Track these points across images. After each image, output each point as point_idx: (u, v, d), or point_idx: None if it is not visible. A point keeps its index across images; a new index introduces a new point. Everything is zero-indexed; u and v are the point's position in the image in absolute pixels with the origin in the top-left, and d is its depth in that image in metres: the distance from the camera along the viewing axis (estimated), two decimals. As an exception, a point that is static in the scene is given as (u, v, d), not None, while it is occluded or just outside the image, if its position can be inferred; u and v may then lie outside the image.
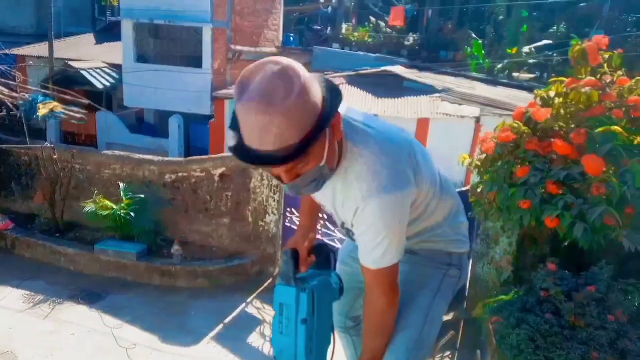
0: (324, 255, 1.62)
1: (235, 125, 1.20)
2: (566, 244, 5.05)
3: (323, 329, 1.44)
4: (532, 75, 14.22)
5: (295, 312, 1.36)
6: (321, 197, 1.52)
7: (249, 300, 7.67)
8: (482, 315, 4.93)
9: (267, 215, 8.04)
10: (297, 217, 8.02)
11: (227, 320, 7.19)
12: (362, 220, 1.37)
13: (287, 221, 8.00)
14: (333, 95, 1.22)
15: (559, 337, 3.74)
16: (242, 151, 1.20)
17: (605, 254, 4.30)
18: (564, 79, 4.16)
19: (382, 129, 1.39)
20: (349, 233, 1.55)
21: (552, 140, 4.03)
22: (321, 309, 1.41)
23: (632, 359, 3.58)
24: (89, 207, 7.98)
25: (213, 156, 8.98)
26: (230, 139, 1.23)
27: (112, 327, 6.74)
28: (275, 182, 7.80)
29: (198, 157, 8.87)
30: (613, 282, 3.90)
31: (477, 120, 8.02)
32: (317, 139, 1.18)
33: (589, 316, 3.70)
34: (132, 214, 7.88)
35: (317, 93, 1.19)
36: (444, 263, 1.60)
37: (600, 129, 3.60)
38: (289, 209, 7.97)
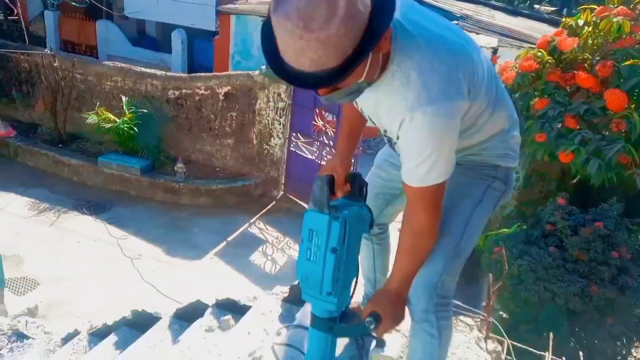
0: (357, 185, 1.56)
1: (268, 30, 1.08)
2: (574, 181, 5.04)
3: (351, 259, 1.39)
4: (553, 8, 13.62)
5: (326, 240, 1.31)
6: (362, 103, 1.43)
7: (252, 220, 7.78)
8: (482, 247, 5.01)
9: (272, 139, 7.95)
10: (302, 142, 7.96)
11: (230, 238, 7.32)
12: (407, 133, 1.27)
13: (292, 145, 7.94)
14: (386, 6, 1.08)
15: (560, 270, 3.81)
16: (276, 63, 1.10)
17: (613, 192, 4.30)
18: (594, 6, 3.95)
19: (439, 29, 1.26)
20: (390, 141, 1.48)
21: (576, 72, 3.90)
22: (351, 239, 1.35)
23: (631, 294, 3.67)
24: (91, 118, 7.85)
25: (218, 74, 8.74)
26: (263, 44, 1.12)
27: (117, 237, 6.86)
28: (281, 104, 7.65)
29: (202, 74, 8.63)
30: (620, 219, 3.92)
31: (494, 51, 7.73)
32: (359, 63, 1.08)
33: (593, 251, 3.75)
34: (135, 128, 7.77)
35: (364, 8, 1.05)
36: (489, 175, 1.51)
37: (627, 62, 3.46)
38: (294, 134, 7.88)
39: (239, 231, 7.59)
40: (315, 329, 1.42)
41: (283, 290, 2.69)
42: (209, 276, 6.20)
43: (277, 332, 2.20)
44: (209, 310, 2.74)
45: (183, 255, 6.73)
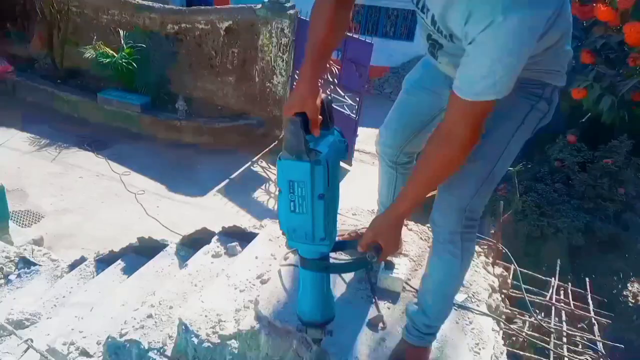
0: (327, 112, 1.36)
1: None
2: (584, 120, 4.94)
3: (335, 194, 1.32)
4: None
5: (311, 188, 1.21)
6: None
7: (254, 159, 7.74)
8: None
9: (275, 77, 7.76)
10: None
11: (233, 176, 7.31)
12: (489, 38, 1.09)
13: (294, 84, 7.77)
14: None
15: (565, 206, 3.82)
16: None
17: (623, 131, 4.23)
18: None
19: None
20: (434, 47, 1.33)
21: (594, 4, 3.73)
22: (334, 176, 1.26)
23: (634, 230, 3.69)
24: (89, 52, 7.64)
25: (219, 7, 8.42)
26: None
27: (120, 173, 6.85)
28: (284, 40, 7.41)
29: (202, 7, 8.31)
30: (629, 157, 3.88)
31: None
32: None
33: (599, 188, 3.74)
34: (134, 64, 7.58)
35: None
36: (534, 94, 1.36)
37: (650, -6, 3.29)
38: (297, 71, 7.69)
39: (242, 169, 7.56)
40: (309, 270, 1.37)
41: (289, 218, 2.68)
42: (212, 212, 6.23)
43: (284, 257, 2.20)
44: (215, 237, 2.74)
45: (186, 192, 6.73)
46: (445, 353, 1.64)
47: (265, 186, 7.14)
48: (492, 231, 2.42)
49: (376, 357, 1.60)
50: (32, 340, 1.80)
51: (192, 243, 2.85)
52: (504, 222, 2.53)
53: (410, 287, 1.92)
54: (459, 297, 1.89)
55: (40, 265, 3.47)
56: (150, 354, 2.00)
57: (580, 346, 2.04)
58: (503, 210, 2.47)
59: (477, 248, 2.22)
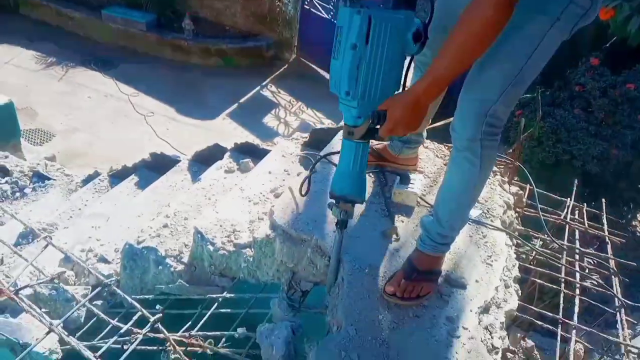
0: None
1: None
2: (608, 45, 4.74)
3: (378, 64, 1.27)
4: None
5: (346, 34, 1.24)
6: None
7: (264, 83, 7.59)
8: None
9: (285, -5, 7.42)
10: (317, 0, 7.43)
11: (242, 100, 7.20)
12: None
13: (306, 3, 7.44)
14: None
15: (582, 132, 3.73)
16: None
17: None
18: None
19: None
20: None
21: None
22: (379, 41, 1.24)
23: (650, 157, 3.63)
24: (93, -34, 7.30)
25: None
26: None
27: (128, 94, 6.77)
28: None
29: None
30: (652, 82, 3.75)
31: None
32: None
33: (619, 114, 3.64)
34: (138, -24, 7.26)
35: None
36: None
37: None
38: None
39: (251, 94, 7.43)
40: (344, 138, 1.41)
41: (303, 136, 2.65)
42: (222, 135, 6.19)
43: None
44: (228, 153, 2.73)
45: (195, 115, 6.67)
46: (458, 264, 1.67)
47: (275, 111, 7.05)
48: (511, 150, 2.38)
49: (390, 265, 1.63)
50: (50, 238, 1.83)
51: (204, 159, 2.84)
52: (518, 146, 2.48)
53: (425, 202, 1.91)
54: (474, 213, 1.89)
55: (54, 179, 3.51)
56: (168, 260, 2.05)
57: (592, 264, 2.06)
58: (523, 130, 2.41)
59: (494, 168, 2.20)
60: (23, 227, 2.74)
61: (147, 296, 2.06)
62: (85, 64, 7.28)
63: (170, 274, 2.04)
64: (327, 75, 7.86)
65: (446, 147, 2.27)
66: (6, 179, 3.56)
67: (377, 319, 1.45)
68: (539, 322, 1.74)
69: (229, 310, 1.81)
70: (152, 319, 1.46)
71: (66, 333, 1.39)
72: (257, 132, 6.54)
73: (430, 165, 2.15)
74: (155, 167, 3.03)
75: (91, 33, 7.80)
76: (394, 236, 1.75)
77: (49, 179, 3.54)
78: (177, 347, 1.48)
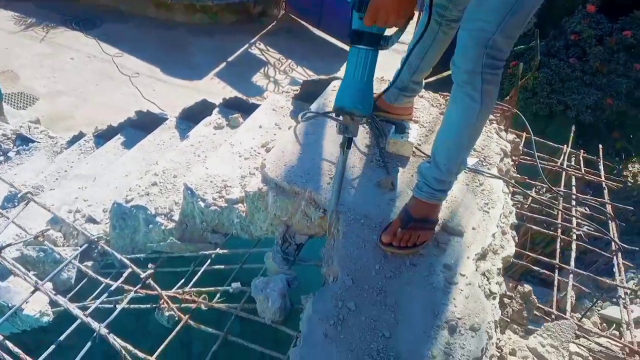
0: None
1: None
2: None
3: None
4: None
5: None
6: None
7: (252, 41, 7.38)
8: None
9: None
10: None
11: (230, 59, 7.01)
12: None
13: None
14: None
15: (577, 82, 3.67)
16: None
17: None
18: None
19: None
20: None
21: None
22: None
23: (645, 107, 3.59)
24: None
25: None
26: None
27: (112, 54, 6.56)
28: None
29: None
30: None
31: None
32: None
33: (615, 62, 3.57)
34: None
35: None
36: None
37: None
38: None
39: (239, 52, 7.23)
40: (350, 47, 1.36)
41: (294, 89, 2.57)
42: (211, 95, 6.00)
43: (299, 117, 2.04)
44: (216, 109, 2.65)
45: (182, 75, 6.50)
46: (455, 212, 1.63)
47: (264, 69, 6.88)
48: (507, 97, 2.32)
49: (385, 215, 1.59)
50: (31, 194, 1.77)
51: (192, 116, 2.76)
52: (515, 92, 2.41)
53: (421, 152, 1.87)
54: (470, 161, 1.85)
55: (38, 142, 3.41)
56: (158, 218, 2.00)
57: (588, 209, 2.04)
58: (521, 75, 2.34)
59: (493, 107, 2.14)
60: (8, 190, 2.68)
61: (138, 255, 2.02)
62: (66, 24, 7.02)
63: (161, 232, 2.00)
64: (316, 32, 7.66)
65: (442, 97, 2.21)
66: (-12, 142, 3.46)
67: (374, 268, 1.42)
68: (536, 268, 1.73)
69: (222, 266, 1.78)
70: (142, 275, 1.42)
71: (54, 292, 1.35)
72: (246, 91, 6.38)
73: (425, 114, 2.09)
74: (142, 125, 2.94)
75: (70, -9, 7.47)
76: (389, 186, 1.70)
77: (32, 141, 3.44)
78: (170, 304, 1.45)
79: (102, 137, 3.08)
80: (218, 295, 1.62)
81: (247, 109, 2.58)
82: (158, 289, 1.45)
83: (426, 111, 2.11)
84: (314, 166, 1.75)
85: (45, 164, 3.16)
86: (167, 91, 6.15)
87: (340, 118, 1.42)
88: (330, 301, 1.34)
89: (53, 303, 1.95)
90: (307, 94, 2.44)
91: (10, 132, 3.55)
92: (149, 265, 1.96)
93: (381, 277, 1.40)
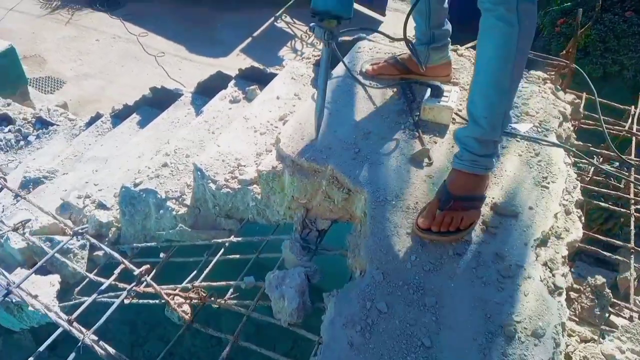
0: None
1: None
2: None
3: None
4: None
5: None
6: None
7: (277, 14, 7.11)
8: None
9: None
10: None
11: (255, 34, 6.78)
12: None
13: None
14: None
15: (634, 39, 3.25)
16: None
17: None
18: None
19: None
20: None
21: None
22: None
23: None
24: None
25: None
26: None
27: (137, 34, 6.43)
28: None
29: None
30: None
31: None
32: None
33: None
34: None
35: None
36: None
37: None
38: None
39: (265, 26, 6.98)
40: None
41: (315, 54, 2.31)
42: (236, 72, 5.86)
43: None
44: (232, 82, 2.43)
45: (207, 53, 6.31)
46: (507, 189, 1.36)
47: (291, 43, 6.60)
48: (563, 51, 1.99)
49: (421, 195, 1.34)
50: (5, 180, 1.61)
51: (208, 90, 2.55)
52: (573, 43, 2.06)
53: (462, 118, 1.59)
54: (522, 127, 1.56)
55: (58, 124, 3.30)
56: (169, 203, 1.81)
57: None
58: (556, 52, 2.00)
59: (541, 74, 1.83)
60: (23, 176, 2.56)
61: (150, 244, 1.85)
62: (91, 4, 6.92)
63: (172, 218, 1.81)
64: (345, 0, 7.31)
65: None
66: (9, 127, 3.37)
67: (409, 260, 1.18)
68: (592, 248, 1.45)
69: (237, 255, 1.58)
70: (137, 271, 1.23)
71: (27, 292, 1.17)
72: (273, 67, 6.15)
73: (466, 75, 1.80)
74: (157, 103, 2.76)
75: (94, -29, 7.36)
76: (425, 160, 1.45)
77: (52, 124, 3.33)
78: (170, 302, 1.26)
79: (119, 117, 2.92)
80: (230, 291, 1.41)
81: (265, 80, 2.34)
82: (156, 286, 1.26)
83: (467, 72, 1.82)
84: (336, 139, 1.50)
85: (63, 147, 3.04)
86: (193, 70, 5.97)
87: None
88: (356, 301, 1.11)
89: (60, 298, 1.81)
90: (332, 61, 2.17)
91: (30, 115, 3.46)
92: (161, 255, 1.79)
93: (418, 271, 1.16)
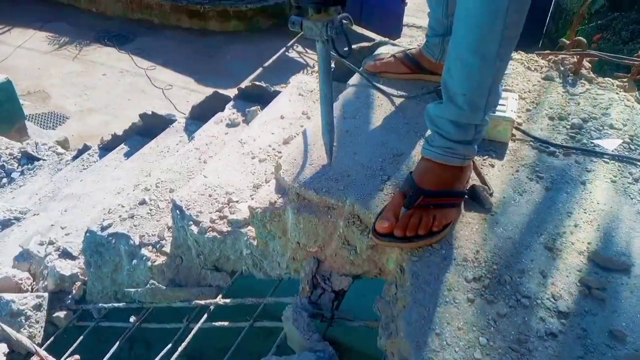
0: None
1: None
2: None
3: None
4: None
5: None
6: None
7: (289, 44, 6.90)
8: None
9: (307, -58, 6.60)
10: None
11: (266, 64, 6.55)
12: None
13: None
14: None
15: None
16: None
17: None
18: None
19: None
20: None
21: None
22: None
23: None
24: None
25: None
26: None
27: (145, 68, 6.23)
28: None
29: None
30: None
31: None
32: None
33: None
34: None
35: None
36: None
37: None
38: None
39: (276, 56, 6.76)
40: None
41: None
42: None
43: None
44: (231, 103, 2.08)
45: (217, 84, 6.01)
46: (607, 229, 0.94)
47: (303, 72, 6.33)
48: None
49: (481, 240, 0.93)
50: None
51: (204, 114, 2.19)
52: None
53: (524, 133, 1.19)
54: (609, 144, 1.15)
55: (44, 159, 2.97)
56: (144, 250, 1.42)
57: None
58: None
59: (613, 80, 1.43)
60: (-7, 218, 2.21)
61: (118, 304, 1.45)
62: (100, 40, 6.80)
63: (148, 270, 1.41)
64: (357, 29, 7.07)
65: (542, 57, 1.51)
66: (-8, 164, 3.06)
67: (477, 344, 0.76)
68: None
69: (225, 323, 1.17)
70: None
71: None
72: (278, 85, 5.87)
73: (521, 81, 1.40)
74: (148, 131, 2.42)
75: (104, 8, 7.32)
76: (483, 191, 1.04)
77: (38, 159, 3.01)
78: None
79: (107, 148, 2.58)
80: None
81: (269, 100, 1.98)
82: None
83: (521, 77, 1.42)
84: (356, 164, 1.11)
85: (46, 183, 2.70)
86: (201, 102, 5.72)
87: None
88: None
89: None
90: (343, 73, 1.81)
91: (17, 150, 3.15)
92: (131, 319, 1.39)
93: (494, 365, 0.74)
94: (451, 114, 0.93)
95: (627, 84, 1.52)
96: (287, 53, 6.79)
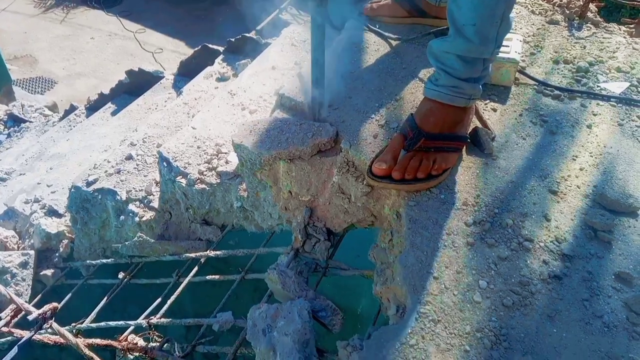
0: None
1: None
2: None
3: None
4: None
5: None
6: None
7: (282, 5, 6.70)
8: None
9: None
10: None
11: (259, 27, 6.36)
12: None
13: None
14: None
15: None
16: None
17: None
18: None
19: None
20: None
21: None
22: None
23: None
24: None
25: None
26: None
27: (134, 31, 6.05)
28: None
29: None
30: None
31: None
32: None
33: None
34: None
35: None
36: None
37: None
38: None
39: (269, 19, 6.55)
40: None
41: (321, 19, 1.86)
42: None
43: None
44: (220, 57, 1.99)
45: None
46: (612, 172, 0.90)
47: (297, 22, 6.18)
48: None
49: (482, 184, 0.88)
50: None
51: (193, 70, 2.11)
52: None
53: (528, 77, 1.13)
54: (616, 87, 1.09)
55: (31, 121, 2.89)
56: (131, 206, 1.37)
57: None
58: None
59: (618, 25, 1.37)
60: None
61: (107, 260, 1.41)
62: (87, 2, 6.58)
63: (136, 226, 1.37)
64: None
65: (547, 1, 1.44)
66: (-23, 127, 2.98)
67: (477, 287, 0.72)
68: None
69: (216, 276, 1.13)
70: (34, 314, 0.79)
71: None
72: (270, 38, 5.75)
73: (525, 24, 1.33)
74: (135, 89, 2.33)
75: (90, -32, 7.02)
76: (485, 136, 0.98)
77: (24, 121, 2.93)
78: (87, 353, 0.81)
79: (94, 108, 2.50)
80: (199, 333, 0.96)
81: (259, 51, 1.90)
82: (68, 335, 0.82)
83: (525, 21, 1.35)
84: (351, 110, 1.05)
85: (32, 144, 2.63)
86: (193, 66, 5.58)
87: None
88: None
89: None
90: (335, 24, 1.72)
91: (2, 113, 3.06)
92: (120, 275, 1.35)
93: (495, 307, 0.70)
94: (459, 48, 0.86)
95: (634, 29, 1.46)
96: (280, 15, 6.62)
